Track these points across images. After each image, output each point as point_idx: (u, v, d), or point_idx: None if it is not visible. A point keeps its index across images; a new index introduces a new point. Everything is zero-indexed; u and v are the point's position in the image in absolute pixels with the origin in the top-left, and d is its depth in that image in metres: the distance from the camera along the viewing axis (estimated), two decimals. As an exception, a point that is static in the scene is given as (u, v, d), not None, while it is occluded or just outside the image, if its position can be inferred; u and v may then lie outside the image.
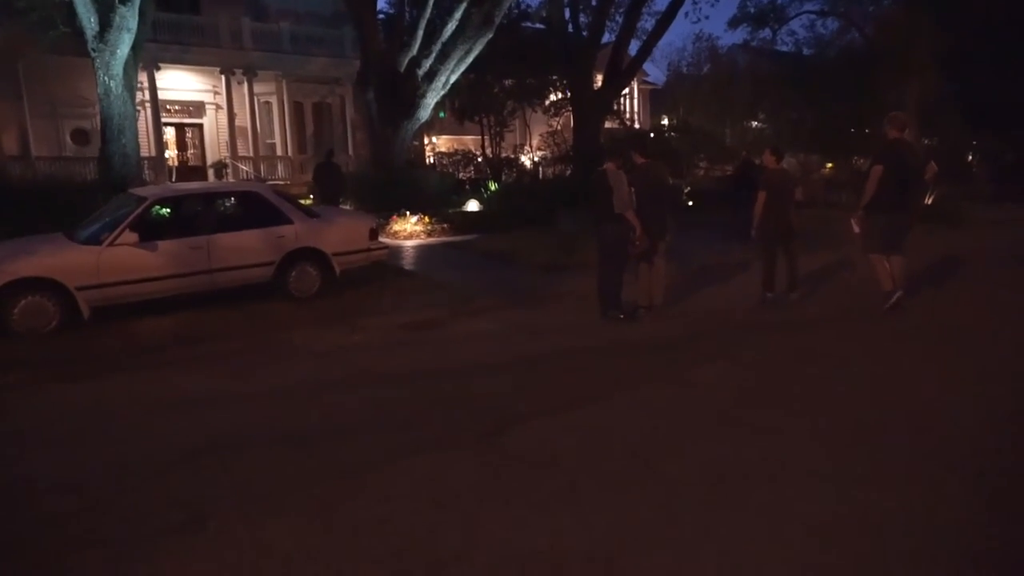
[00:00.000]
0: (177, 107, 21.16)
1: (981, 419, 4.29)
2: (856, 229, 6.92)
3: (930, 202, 16.74)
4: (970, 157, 26.81)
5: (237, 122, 20.97)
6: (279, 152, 22.01)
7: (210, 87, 21.20)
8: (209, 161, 21.41)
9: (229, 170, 20.31)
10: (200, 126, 21.78)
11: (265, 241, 7.79)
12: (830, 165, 25.10)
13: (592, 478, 3.64)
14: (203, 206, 8.02)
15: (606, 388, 5.07)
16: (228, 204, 8.55)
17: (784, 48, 31.08)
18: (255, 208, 8.03)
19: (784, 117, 25.34)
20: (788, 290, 7.64)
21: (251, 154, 21.04)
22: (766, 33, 30.81)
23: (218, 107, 21.37)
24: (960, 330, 6.48)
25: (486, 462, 3.90)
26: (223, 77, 20.36)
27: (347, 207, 15.24)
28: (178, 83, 20.59)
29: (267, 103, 22.18)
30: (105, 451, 4.20)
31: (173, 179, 19.34)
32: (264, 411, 4.85)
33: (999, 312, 7.19)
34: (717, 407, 4.63)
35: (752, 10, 29.80)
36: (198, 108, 21.52)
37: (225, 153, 20.97)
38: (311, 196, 17.24)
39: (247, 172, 20.26)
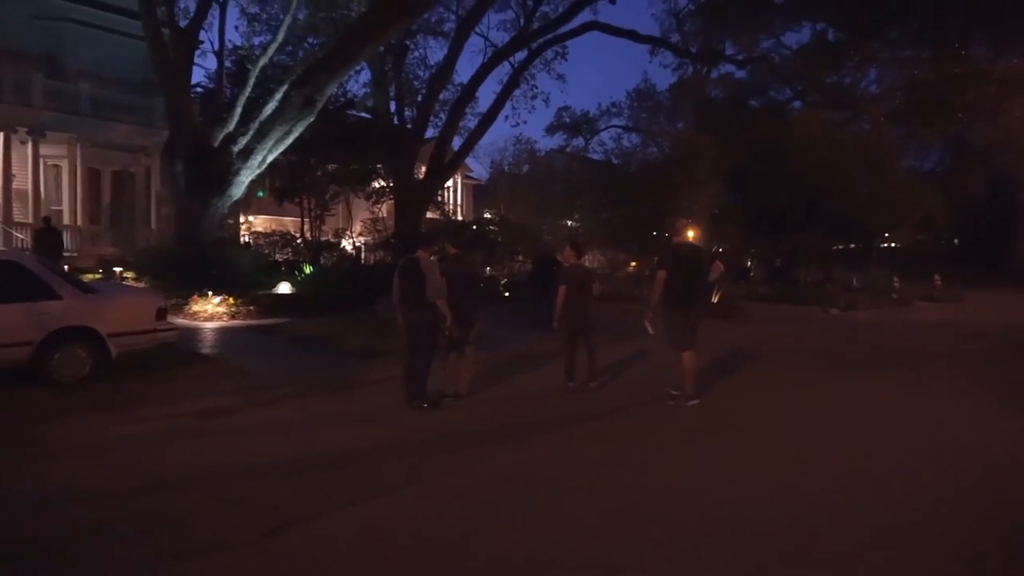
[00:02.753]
0: (-62, 163, 18.46)
1: (753, 500, 4.61)
2: (650, 331, 7.35)
3: (715, 300, 18.67)
4: (748, 261, 30.58)
5: (16, 184, 18.66)
6: (67, 221, 19.77)
7: (-16, 144, 18.81)
8: (-24, 225, 18.71)
9: (-1, 237, 17.86)
10: (-34, 186, 19.08)
11: (23, 317, 6.80)
12: (634, 263, 27.37)
13: (373, 581, 3.38)
14: (-57, 275, 6.87)
15: (397, 481, 4.85)
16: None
17: (595, 156, 34.12)
18: (14, 280, 7.00)
19: (595, 217, 27.47)
20: (588, 379, 7.95)
21: (30, 220, 18.70)
22: (579, 141, 33.84)
23: (-8, 166, 18.95)
24: (741, 420, 7.06)
25: (257, 566, 3.50)
26: (1, 134, 18.18)
27: (140, 284, 13.99)
28: (-58, 137, 18.09)
29: (56, 166, 20.05)
30: None
31: (-76, 244, 16.62)
32: (-10, 520, 4.05)
33: (776, 403, 7.97)
34: (509, 498, 4.58)
35: (567, 120, 32.72)
36: (-35, 166, 18.92)
37: (-4, 218, 18.48)
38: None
39: (22, 240, 17.93)
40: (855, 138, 27.50)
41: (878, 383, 9.09)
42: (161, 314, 8.01)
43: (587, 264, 8.74)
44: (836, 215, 25.91)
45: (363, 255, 24.75)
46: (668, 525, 4.14)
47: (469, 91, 22.43)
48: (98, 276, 15.32)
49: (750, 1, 21.72)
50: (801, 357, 11.27)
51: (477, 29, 22.51)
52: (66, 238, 19.32)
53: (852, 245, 32.03)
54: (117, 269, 16.10)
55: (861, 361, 11.02)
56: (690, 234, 8.19)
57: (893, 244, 33.08)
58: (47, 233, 15.08)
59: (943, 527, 4.23)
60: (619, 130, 34.16)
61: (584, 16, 22.42)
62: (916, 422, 6.98)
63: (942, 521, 4.32)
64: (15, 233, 18.07)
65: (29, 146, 18.67)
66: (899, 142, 29.20)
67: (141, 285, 13.92)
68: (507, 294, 17.75)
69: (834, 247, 30.96)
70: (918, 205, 26.82)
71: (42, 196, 19.20)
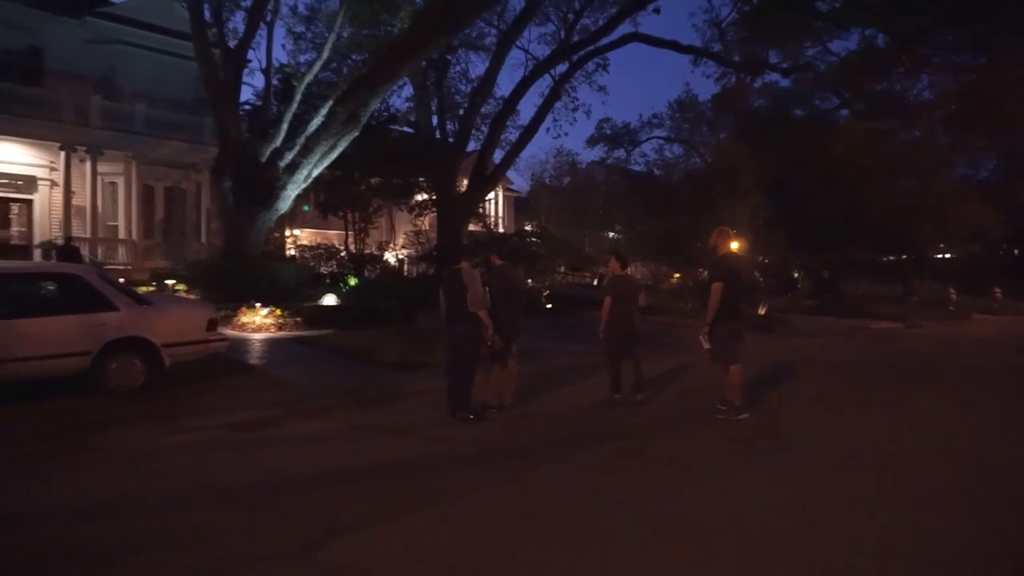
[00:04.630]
0: (3, 180, 19.29)
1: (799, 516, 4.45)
2: (706, 345, 7.19)
3: (763, 313, 18.30)
4: (796, 273, 29.91)
5: (75, 201, 19.40)
6: (122, 235, 20.48)
7: (46, 162, 19.60)
8: (37, 240, 19.49)
9: (60, 251, 18.54)
10: (30, 202, 19.90)
11: (82, 328, 7.01)
12: (677, 275, 27.05)
13: (419, 595, 3.35)
14: (8, 287, 7.12)
15: (442, 494, 4.81)
16: (40, 286, 7.66)
17: (637, 167, 33.92)
18: (74, 292, 7.25)
19: (636, 229, 27.29)
20: (634, 392, 7.83)
21: (89, 235, 19.42)
22: (620, 153, 33.65)
23: (53, 183, 19.72)
24: (791, 436, 6.86)
25: (300, 579, 3.51)
26: (62, 153, 18.94)
27: (191, 296, 14.35)
28: (7, 155, 18.86)
29: (112, 183, 20.78)
30: None
31: (-12, 258, 17.34)
32: (43, 528, 4.14)
33: (827, 419, 7.73)
34: (554, 513, 4.50)
35: (608, 132, 32.56)
36: (29, 183, 19.73)
37: (57, 233, 19.21)
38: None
39: (81, 255, 18.59)
40: (904, 147, 26.76)
41: (933, 398, 8.75)
42: (211, 325, 8.17)
43: (632, 275, 8.58)
44: (885, 226, 25.19)
45: (406, 268, 25.01)
46: (717, 542, 4.01)
47: (510, 104, 22.55)
48: (151, 288, 15.77)
49: (795, 8, 21.34)
50: (851, 371, 10.93)
51: (518, 43, 22.68)
52: (121, 252, 20.06)
53: (903, 256, 31.09)
54: (169, 281, 16.56)
55: (915, 375, 10.64)
56: (734, 245, 8.03)
57: (946, 255, 31.98)
58: (68, 251, 15.91)
59: (1001, 549, 4.01)
60: (660, 141, 33.94)
61: (625, 28, 22.39)
62: (972, 440, 6.68)
63: (1000, 542, 4.10)
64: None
65: (88, 164, 19.40)
66: (951, 150, 28.28)
67: (192, 297, 14.27)
68: (549, 306, 17.68)
69: (884, 258, 30.09)
70: (972, 215, 25.91)
71: (99, 212, 19.90)
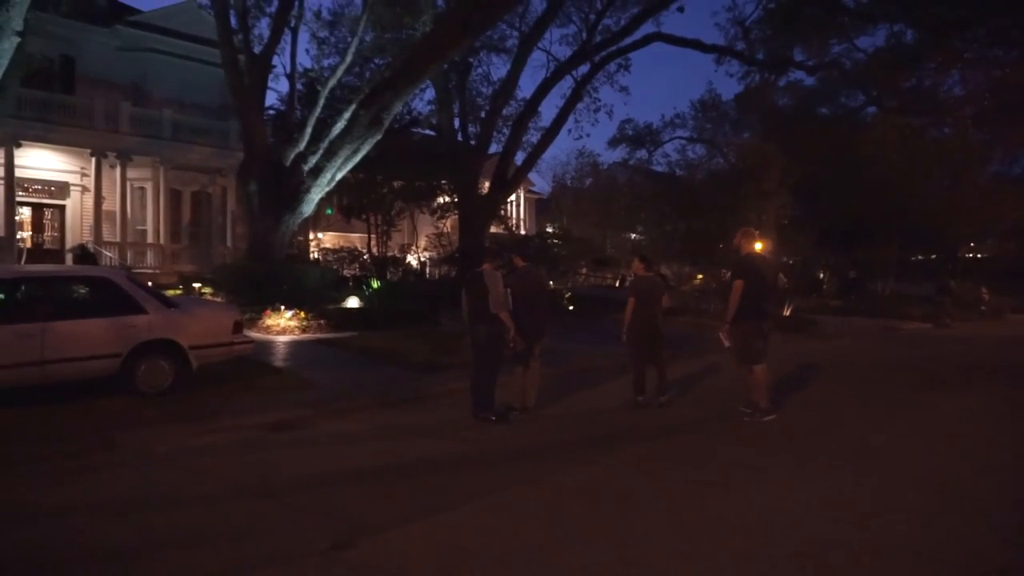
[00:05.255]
0: (37, 186, 19.77)
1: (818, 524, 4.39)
2: (726, 343, 7.15)
3: (788, 313, 18.10)
4: (821, 274, 29.51)
5: (105, 206, 19.81)
6: (150, 239, 20.87)
7: (78, 168, 20.06)
8: (69, 244, 19.93)
9: (91, 255, 18.92)
10: (62, 208, 20.37)
11: (112, 331, 7.13)
12: (700, 276, 26.84)
13: (445, 595, 3.35)
14: (40, 290, 7.27)
15: (465, 494, 4.82)
16: (72, 289, 7.82)
17: (659, 168, 33.70)
18: (104, 295, 7.39)
19: (659, 229, 27.14)
20: (657, 394, 7.77)
21: (118, 240, 19.82)
22: (643, 153, 33.46)
23: (85, 189, 20.17)
24: (818, 439, 6.76)
25: (329, 579, 3.53)
26: (93, 159, 19.35)
27: (217, 299, 14.54)
28: (41, 162, 19.35)
29: (141, 188, 21.19)
30: None
31: (22, 261, 17.75)
32: (75, 525, 4.22)
33: (855, 422, 7.61)
34: (579, 514, 4.49)
35: (630, 133, 32.39)
36: (61, 189, 20.20)
37: (88, 237, 19.62)
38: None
39: (111, 258, 18.97)
40: (935, 144, 26.29)
41: (964, 403, 8.57)
42: (237, 328, 8.27)
43: (656, 276, 8.50)
44: (914, 225, 24.79)
45: (428, 270, 25.11)
46: (742, 544, 3.96)
47: (532, 106, 22.52)
48: (178, 291, 16.02)
49: (821, 4, 21.04)
50: (879, 373, 10.76)
51: (539, 44, 22.60)
52: (149, 256, 20.44)
53: (933, 256, 30.57)
54: (196, 285, 16.81)
55: (945, 377, 10.43)
56: (758, 245, 7.95)
57: (979, 255, 31.33)
58: (84, 257, 16.60)
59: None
60: (683, 141, 33.70)
61: (647, 28, 22.23)
62: (1006, 443, 6.53)
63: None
64: (105, 252, 19.11)
65: (117, 170, 19.80)
66: (984, 147, 27.72)
67: (218, 300, 14.47)
68: (571, 307, 17.64)
69: (913, 257, 29.61)
70: (1006, 213, 25.37)
71: (128, 217, 20.28)
